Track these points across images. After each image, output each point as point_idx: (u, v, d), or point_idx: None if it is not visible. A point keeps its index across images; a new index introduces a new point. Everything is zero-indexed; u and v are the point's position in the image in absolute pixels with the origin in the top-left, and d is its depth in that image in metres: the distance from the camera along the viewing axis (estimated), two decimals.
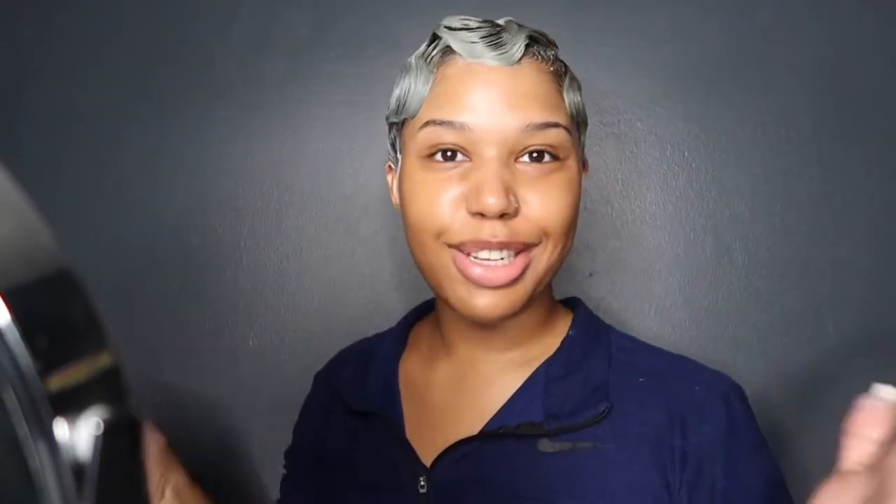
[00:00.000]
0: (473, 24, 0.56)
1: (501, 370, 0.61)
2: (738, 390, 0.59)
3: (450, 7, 0.90)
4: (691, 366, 0.61)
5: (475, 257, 0.54)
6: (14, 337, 0.20)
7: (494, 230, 0.52)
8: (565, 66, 0.59)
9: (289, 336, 0.94)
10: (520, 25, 0.57)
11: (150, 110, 0.97)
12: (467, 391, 0.61)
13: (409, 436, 0.61)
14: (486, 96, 0.53)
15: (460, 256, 0.54)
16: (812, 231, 0.83)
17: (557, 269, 0.58)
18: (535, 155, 0.54)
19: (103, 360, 0.23)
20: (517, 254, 0.54)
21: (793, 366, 0.83)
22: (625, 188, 0.86)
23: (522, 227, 0.53)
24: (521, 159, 0.54)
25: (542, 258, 0.55)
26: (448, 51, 0.56)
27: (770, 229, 0.84)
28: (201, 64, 0.96)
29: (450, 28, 0.56)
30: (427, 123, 0.54)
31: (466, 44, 0.54)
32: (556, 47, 0.58)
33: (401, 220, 0.60)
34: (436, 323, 0.66)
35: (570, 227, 0.57)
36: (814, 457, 0.82)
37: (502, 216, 0.52)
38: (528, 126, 0.53)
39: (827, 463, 0.86)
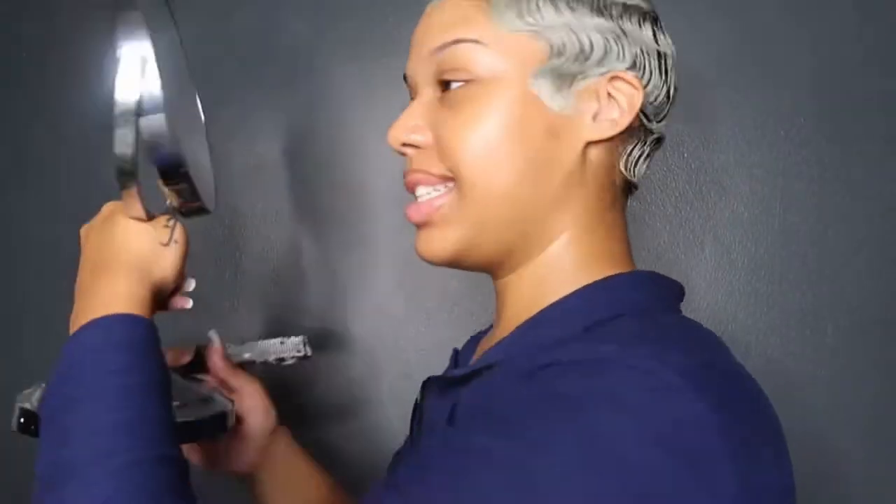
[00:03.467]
0: None
1: None
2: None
3: None
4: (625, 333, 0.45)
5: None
6: None
7: (407, 163, 0.53)
8: None
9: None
10: None
11: None
12: None
13: None
14: (416, 35, 0.54)
15: None
16: (812, 231, 0.83)
17: (503, 208, 0.50)
18: (446, 84, 0.51)
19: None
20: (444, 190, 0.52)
21: (792, 366, 0.83)
22: None
23: (428, 158, 0.52)
24: (444, 92, 0.52)
25: (456, 198, 0.51)
26: None
27: (770, 229, 0.84)
28: (201, 64, 0.96)
29: None
30: None
31: None
32: None
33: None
34: None
35: (484, 161, 0.50)
36: (812, 457, 0.82)
37: (413, 149, 0.52)
38: (430, 53, 0.51)
39: (825, 463, 0.86)
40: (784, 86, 0.84)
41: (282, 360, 0.72)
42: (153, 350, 0.51)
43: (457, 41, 0.50)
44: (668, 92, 0.53)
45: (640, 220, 0.86)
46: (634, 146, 0.53)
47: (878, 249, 0.82)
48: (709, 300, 0.85)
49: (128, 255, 0.56)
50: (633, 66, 0.51)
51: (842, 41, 0.83)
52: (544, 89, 0.50)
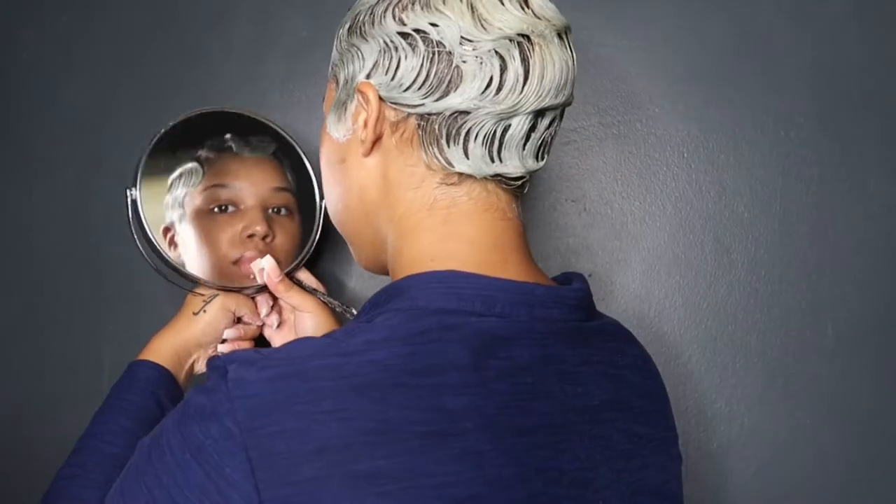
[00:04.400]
0: None
1: None
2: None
3: None
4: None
5: None
6: None
7: None
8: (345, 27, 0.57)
9: None
10: None
11: (150, 110, 0.97)
12: None
13: None
14: None
15: None
16: (812, 231, 0.83)
17: (344, 229, 0.62)
18: None
19: None
20: None
21: (792, 366, 0.83)
22: (624, 189, 0.86)
23: None
24: None
25: None
26: None
27: (770, 229, 0.84)
28: (201, 64, 0.96)
29: None
30: None
31: None
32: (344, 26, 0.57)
33: None
34: None
35: (324, 194, 0.63)
36: (811, 458, 0.82)
37: None
38: None
39: (825, 465, 0.86)
40: (784, 86, 0.84)
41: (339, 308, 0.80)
42: (147, 384, 0.68)
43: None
44: (441, 63, 0.49)
45: (640, 220, 0.86)
46: (423, 139, 0.51)
47: (878, 249, 0.82)
48: (709, 300, 0.85)
49: (172, 320, 0.75)
50: (374, 68, 0.52)
51: (842, 41, 0.83)
52: (330, 124, 0.58)
